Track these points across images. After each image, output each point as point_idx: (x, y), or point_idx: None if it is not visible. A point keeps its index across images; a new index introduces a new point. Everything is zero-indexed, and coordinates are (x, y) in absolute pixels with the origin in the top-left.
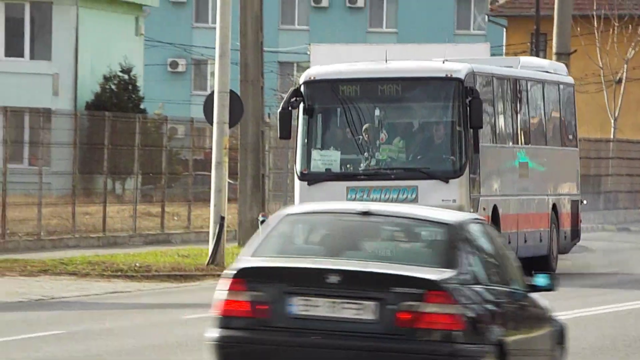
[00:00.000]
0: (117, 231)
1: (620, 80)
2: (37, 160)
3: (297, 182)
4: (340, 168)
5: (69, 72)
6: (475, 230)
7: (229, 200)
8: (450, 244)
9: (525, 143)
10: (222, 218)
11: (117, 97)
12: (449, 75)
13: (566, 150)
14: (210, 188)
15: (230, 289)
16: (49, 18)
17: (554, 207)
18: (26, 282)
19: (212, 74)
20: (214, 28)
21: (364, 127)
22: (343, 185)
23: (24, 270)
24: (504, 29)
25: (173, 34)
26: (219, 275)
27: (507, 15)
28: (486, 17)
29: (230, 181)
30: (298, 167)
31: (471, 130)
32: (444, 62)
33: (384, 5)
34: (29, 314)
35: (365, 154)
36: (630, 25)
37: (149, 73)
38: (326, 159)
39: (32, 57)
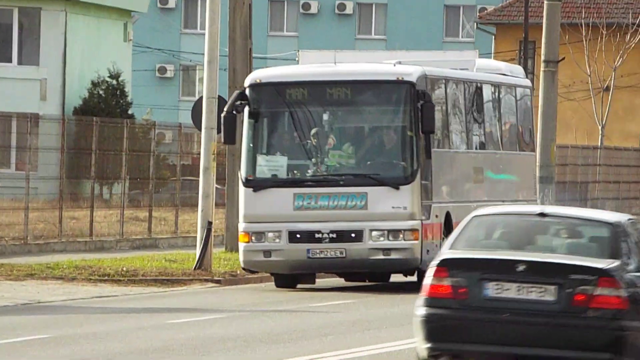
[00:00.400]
0: (104, 236)
1: (608, 88)
2: (25, 165)
3: (242, 188)
4: (287, 174)
5: (57, 77)
6: (631, 227)
7: (217, 205)
8: (614, 239)
9: (480, 148)
10: (210, 223)
11: (105, 103)
12: (400, 79)
13: (523, 155)
14: (197, 193)
15: (434, 276)
16: (38, 23)
17: None
18: (12, 287)
19: (201, 79)
20: (203, 34)
21: (311, 132)
22: (290, 191)
23: (10, 275)
24: (493, 37)
25: (161, 39)
26: (205, 280)
27: (495, 22)
28: (475, 24)
29: (218, 186)
30: (243, 173)
31: (423, 135)
32: (395, 65)
33: (372, 13)
34: (15, 318)
35: (313, 159)
36: (618, 34)
37: (137, 79)
38: (272, 164)
39: (20, 62)
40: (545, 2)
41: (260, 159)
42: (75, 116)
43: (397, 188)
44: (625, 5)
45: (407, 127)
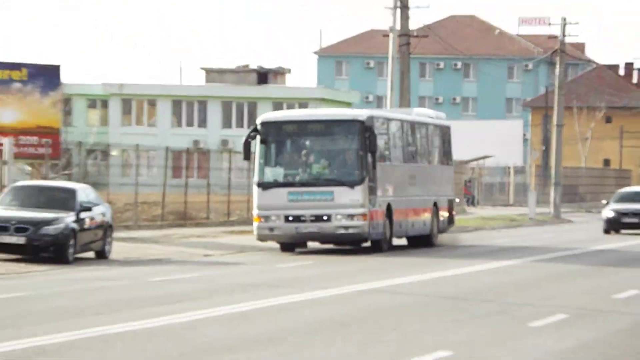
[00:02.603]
0: None
1: (587, 138)
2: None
3: (255, 188)
4: (284, 179)
5: None
6: None
7: None
8: None
9: (413, 162)
10: None
11: None
12: (354, 118)
13: (444, 167)
14: None
15: None
16: None
17: (435, 203)
18: None
19: None
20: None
21: (300, 152)
22: (285, 190)
23: None
24: (530, 113)
25: None
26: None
27: (531, 106)
28: (521, 107)
29: None
30: (256, 178)
31: (370, 154)
32: (352, 109)
33: (469, 103)
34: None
35: (300, 169)
36: (594, 111)
37: None
38: (274, 172)
39: None
40: (556, 98)
41: (267, 170)
42: None
43: (353, 187)
44: (600, 95)
45: (359, 149)
